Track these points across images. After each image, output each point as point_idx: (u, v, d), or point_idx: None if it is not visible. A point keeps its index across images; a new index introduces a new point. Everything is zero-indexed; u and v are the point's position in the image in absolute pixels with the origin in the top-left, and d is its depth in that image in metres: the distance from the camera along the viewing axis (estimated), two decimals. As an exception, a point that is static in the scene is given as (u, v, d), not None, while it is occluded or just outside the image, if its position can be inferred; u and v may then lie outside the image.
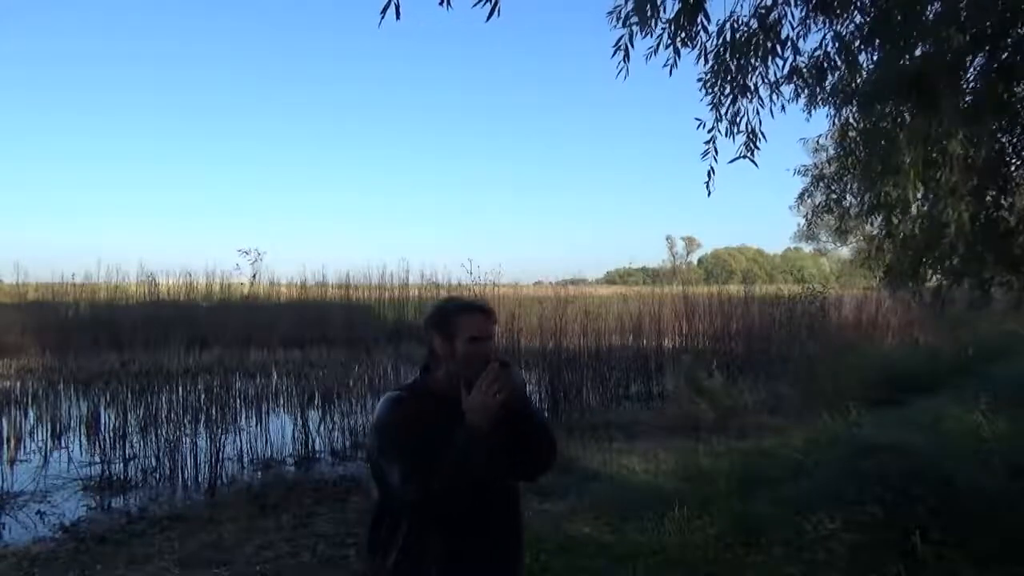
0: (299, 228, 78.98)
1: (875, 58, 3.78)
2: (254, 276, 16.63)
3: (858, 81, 3.83)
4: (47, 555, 4.58)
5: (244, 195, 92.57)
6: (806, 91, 3.95)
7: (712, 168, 3.69)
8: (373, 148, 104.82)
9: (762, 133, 3.71)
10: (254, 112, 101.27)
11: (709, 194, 3.69)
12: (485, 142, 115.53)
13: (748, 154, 3.67)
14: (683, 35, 3.44)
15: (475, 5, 2.57)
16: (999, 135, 3.87)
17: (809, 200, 7.59)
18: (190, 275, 18.30)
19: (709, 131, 3.69)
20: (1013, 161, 4.00)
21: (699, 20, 3.44)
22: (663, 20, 3.39)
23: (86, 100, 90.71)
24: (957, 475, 3.95)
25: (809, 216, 7.23)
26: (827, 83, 3.94)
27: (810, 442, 5.78)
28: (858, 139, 4.34)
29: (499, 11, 2.55)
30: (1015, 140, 3.92)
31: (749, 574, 3.61)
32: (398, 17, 2.33)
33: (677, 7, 3.36)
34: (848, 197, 5.38)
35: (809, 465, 4.97)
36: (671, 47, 3.45)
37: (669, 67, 3.53)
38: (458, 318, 1.82)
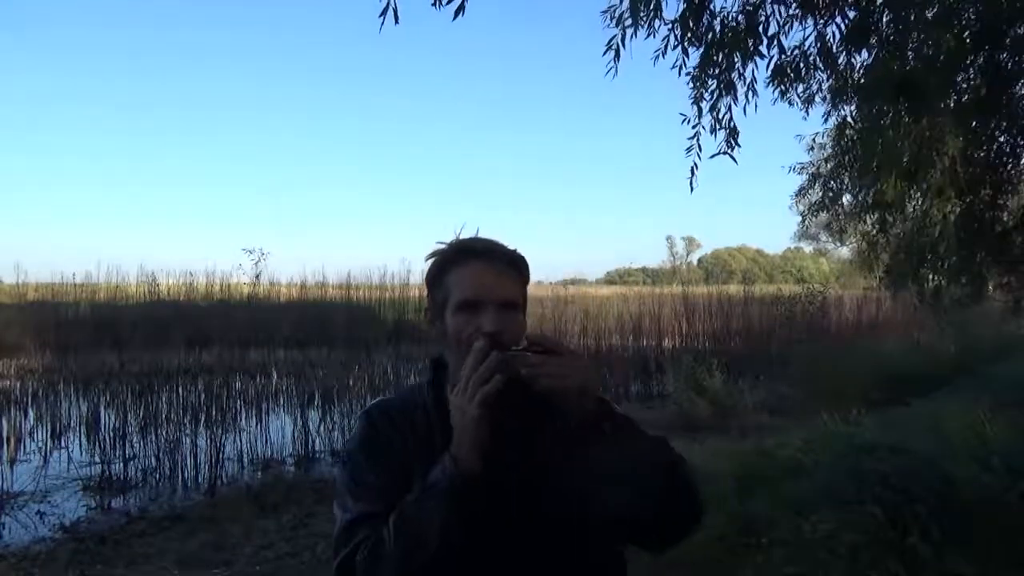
0: (299, 228, 79.06)
1: (856, 60, 3.76)
2: (257, 276, 16.52)
3: (855, 80, 3.82)
4: (47, 555, 4.58)
5: (244, 195, 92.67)
6: (795, 88, 3.93)
7: (696, 164, 3.66)
8: (373, 147, 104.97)
9: (734, 129, 3.68)
10: (253, 112, 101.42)
11: (692, 190, 3.68)
12: (485, 138, 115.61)
13: (728, 150, 3.66)
14: (690, 35, 3.43)
15: (448, 3, 2.59)
16: (996, 135, 3.87)
17: (805, 198, 7.59)
18: (190, 275, 18.26)
19: (693, 127, 3.66)
20: (1009, 161, 3.99)
21: (704, 18, 3.44)
22: (667, 20, 3.39)
23: (86, 100, 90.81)
24: (957, 475, 3.94)
25: (805, 213, 7.23)
26: (812, 82, 3.92)
27: (810, 442, 5.76)
28: (855, 138, 4.33)
29: (464, 11, 2.60)
30: (1012, 140, 3.91)
31: (749, 574, 3.60)
32: (396, 21, 2.36)
33: (682, 7, 3.37)
34: (845, 196, 5.37)
35: (809, 465, 4.96)
36: (679, 47, 3.44)
37: (678, 68, 3.53)
38: (447, 274, 1.12)
